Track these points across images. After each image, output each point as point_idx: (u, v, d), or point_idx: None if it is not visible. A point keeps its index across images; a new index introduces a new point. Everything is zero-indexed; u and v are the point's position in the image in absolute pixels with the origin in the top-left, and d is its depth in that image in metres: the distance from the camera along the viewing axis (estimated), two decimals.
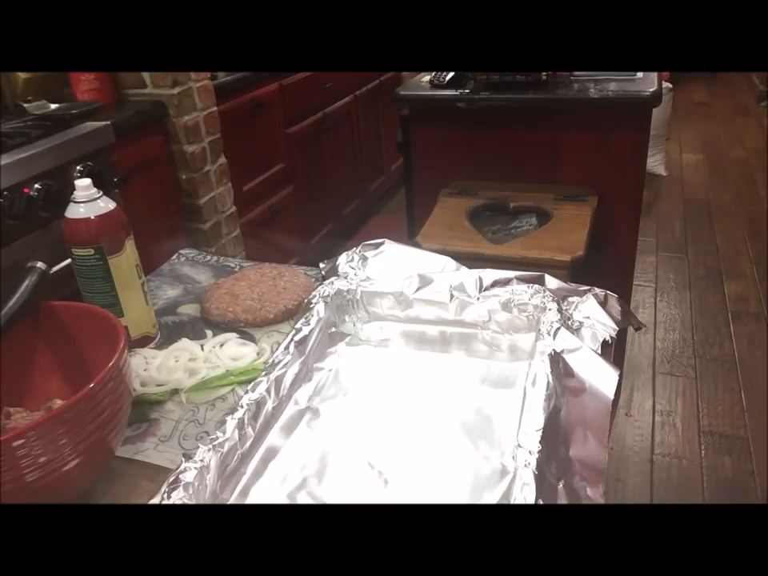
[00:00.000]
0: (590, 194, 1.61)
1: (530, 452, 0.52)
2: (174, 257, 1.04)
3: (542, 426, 0.54)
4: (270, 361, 0.68)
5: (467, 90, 1.64)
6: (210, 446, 0.55)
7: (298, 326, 0.72)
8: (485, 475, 0.57)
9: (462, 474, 0.57)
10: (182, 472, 0.52)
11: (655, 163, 3.40)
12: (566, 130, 1.63)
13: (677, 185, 3.43)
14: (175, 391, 0.71)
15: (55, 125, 1.41)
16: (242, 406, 0.61)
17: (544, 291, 0.72)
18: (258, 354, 0.76)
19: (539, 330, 0.68)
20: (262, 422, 0.62)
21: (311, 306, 0.75)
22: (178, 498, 0.50)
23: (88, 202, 0.72)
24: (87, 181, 0.72)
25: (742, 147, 3.87)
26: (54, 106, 1.50)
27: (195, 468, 0.53)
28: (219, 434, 0.57)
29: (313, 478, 0.58)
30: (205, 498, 0.53)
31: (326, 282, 0.79)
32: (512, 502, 0.49)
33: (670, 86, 3.28)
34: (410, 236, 1.84)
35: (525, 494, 0.49)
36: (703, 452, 1.76)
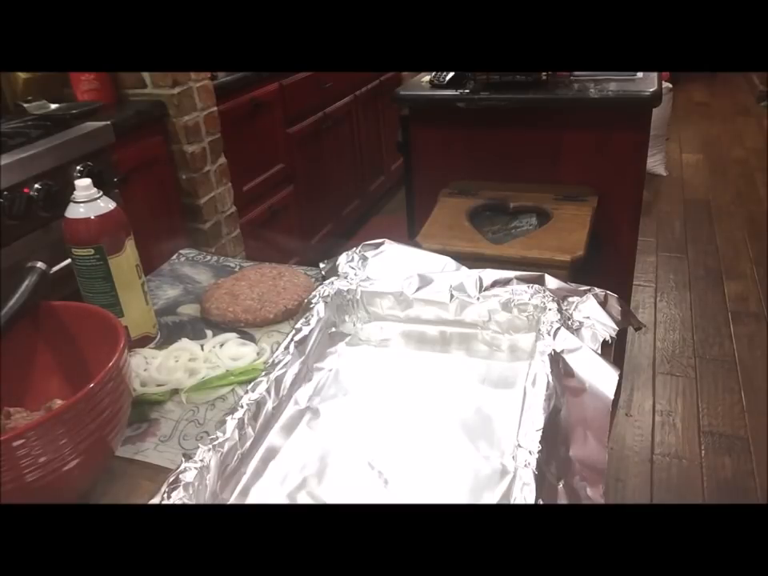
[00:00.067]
0: (590, 193, 1.61)
1: (529, 452, 0.52)
2: (174, 257, 1.04)
3: (541, 426, 0.54)
4: (270, 361, 0.68)
5: (467, 90, 1.64)
6: (210, 446, 0.55)
7: (298, 326, 0.72)
8: (485, 475, 0.57)
9: (461, 474, 0.57)
10: (182, 472, 0.52)
11: (655, 163, 3.40)
12: (566, 130, 1.63)
13: (677, 185, 3.43)
14: (175, 391, 0.71)
15: (55, 125, 1.41)
16: (242, 406, 0.61)
17: (544, 291, 0.72)
18: (258, 354, 0.76)
19: (539, 329, 0.68)
20: (261, 422, 0.62)
21: (311, 306, 0.75)
22: (177, 497, 0.50)
23: (88, 201, 0.72)
24: (87, 181, 0.72)
25: (742, 147, 3.87)
26: (54, 106, 1.50)
27: (195, 468, 0.53)
28: (219, 433, 0.57)
29: (313, 478, 0.58)
30: (205, 498, 0.53)
31: (326, 282, 0.79)
32: (512, 501, 0.49)
33: (670, 85, 3.29)
34: (410, 236, 1.84)
35: (525, 493, 0.49)
36: (703, 452, 1.76)
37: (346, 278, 0.79)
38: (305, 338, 0.71)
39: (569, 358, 0.63)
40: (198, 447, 0.55)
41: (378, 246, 0.86)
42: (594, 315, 0.70)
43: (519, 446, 0.53)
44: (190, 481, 0.52)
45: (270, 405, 0.63)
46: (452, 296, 0.74)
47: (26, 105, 1.48)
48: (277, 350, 0.70)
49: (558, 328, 0.66)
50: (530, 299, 0.72)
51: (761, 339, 2.18)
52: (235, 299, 0.84)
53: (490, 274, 0.76)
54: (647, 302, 2.45)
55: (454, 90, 1.66)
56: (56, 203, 1.31)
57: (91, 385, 0.51)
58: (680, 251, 2.78)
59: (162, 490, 0.51)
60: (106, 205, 0.74)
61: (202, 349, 0.77)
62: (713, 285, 2.52)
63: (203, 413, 0.69)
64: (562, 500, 0.50)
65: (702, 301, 2.43)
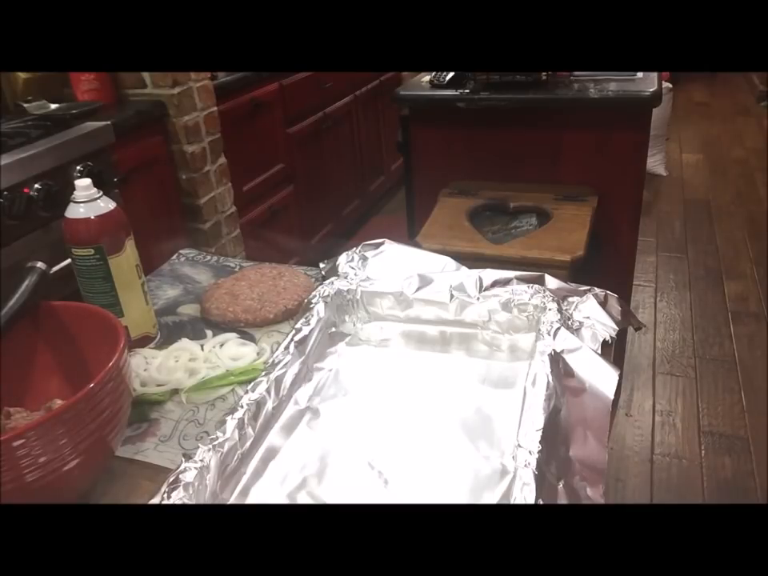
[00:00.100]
0: (590, 193, 1.61)
1: (529, 452, 0.52)
2: (174, 257, 1.04)
3: (542, 426, 0.54)
4: (270, 361, 0.68)
5: (467, 90, 1.64)
6: (210, 446, 0.55)
7: (298, 326, 0.72)
8: (485, 475, 0.57)
9: (461, 474, 0.57)
10: (182, 472, 0.52)
11: (655, 163, 3.40)
12: (566, 130, 1.63)
13: (677, 185, 3.43)
14: (175, 391, 0.71)
15: (55, 125, 1.41)
16: (242, 406, 0.61)
17: (544, 291, 0.72)
18: (258, 354, 0.76)
19: (539, 329, 0.68)
20: (261, 422, 0.62)
21: (311, 306, 0.75)
22: (178, 498, 0.50)
23: (88, 201, 0.72)
24: (87, 181, 0.72)
25: (742, 147, 3.87)
26: (54, 106, 1.50)
27: (195, 468, 0.53)
28: (219, 433, 0.57)
29: (313, 478, 0.58)
30: (205, 498, 0.53)
31: (326, 282, 0.79)
32: (512, 501, 0.49)
33: (670, 85, 3.29)
34: (410, 236, 1.84)
35: (525, 493, 0.49)
36: (703, 452, 1.76)
37: (345, 277, 0.79)
38: (305, 338, 0.71)
39: (569, 358, 0.63)
40: (198, 447, 0.55)
41: (378, 246, 0.86)
42: (593, 315, 0.70)
43: (519, 446, 0.53)
44: (190, 481, 0.52)
45: (269, 405, 0.63)
46: (452, 296, 0.74)
47: (26, 105, 1.48)
48: (277, 350, 0.70)
49: (558, 328, 0.66)
50: (529, 299, 0.72)
51: (761, 339, 2.18)
52: (235, 299, 0.84)
53: (490, 274, 0.76)
54: (647, 302, 2.45)
55: (454, 90, 1.66)
56: (56, 203, 1.31)
57: (91, 385, 0.51)
58: (680, 251, 2.78)
59: (162, 489, 0.51)
60: (106, 205, 0.74)
61: (202, 349, 0.77)
62: (713, 285, 2.52)
63: (203, 413, 0.69)
64: (562, 500, 0.50)
65: (702, 301, 2.43)
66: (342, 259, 0.84)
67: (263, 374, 0.65)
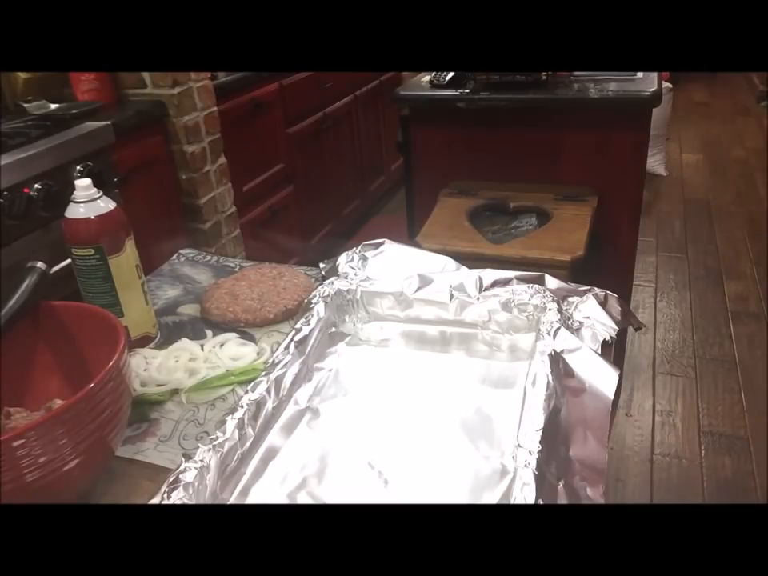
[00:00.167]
0: (590, 193, 1.61)
1: (529, 452, 0.52)
2: (174, 257, 1.04)
3: (542, 426, 0.54)
4: (270, 361, 0.68)
5: (467, 90, 1.64)
6: (210, 446, 0.55)
7: (298, 326, 0.72)
8: (485, 475, 0.57)
9: (461, 474, 0.57)
10: (182, 472, 0.52)
11: (655, 163, 3.40)
12: (566, 130, 1.63)
13: (677, 185, 3.43)
14: (175, 391, 0.71)
15: (55, 125, 1.41)
16: (242, 406, 0.61)
17: (544, 291, 0.72)
18: (258, 354, 0.76)
19: (539, 329, 0.68)
20: (261, 422, 0.62)
21: (311, 306, 0.75)
22: (178, 497, 0.50)
23: (88, 201, 0.72)
24: (87, 181, 0.72)
25: (742, 147, 3.87)
26: (54, 106, 1.49)
27: (195, 468, 0.53)
28: (219, 433, 0.57)
29: (313, 478, 0.58)
30: (205, 498, 0.53)
31: (326, 282, 0.79)
32: (512, 501, 0.49)
33: (670, 85, 3.28)
34: (410, 236, 1.84)
35: (525, 493, 0.49)
36: (703, 452, 1.76)
37: (345, 277, 0.79)
38: (305, 338, 0.71)
39: (569, 358, 0.63)
40: (198, 447, 0.55)
41: (378, 246, 0.86)
42: (593, 315, 0.70)
43: (519, 446, 0.53)
44: (190, 481, 0.52)
45: (269, 405, 0.63)
46: (452, 296, 0.74)
47: (26, 105, 1.48)
48: (277, 350, 0.70)
49: (558, 328, 0.66)
50: (530, 299, 0.72)
51: (761, 339, 2.18)
52: (235, 299, 0.84)
53: (490, 274, 0.76)
54: (647, 302, 2.45)
55: (454, 89, 1.66)
56: (56, 203, 1.31)
57: (91, 385, 0.51)
58: (680, 251, 2.78)
59: (162, 489, 0.51)
60: (106, 205, 0.74)
61: (202, 349, 0.77)
62: (713, 285, 2.52)
63: (203, 413, 0.69)
64: (562, 500, 0.50)
65: (702, 301, 2.43)
66: (342, 259, 0.84)
67: (263, 374, 0.65)
